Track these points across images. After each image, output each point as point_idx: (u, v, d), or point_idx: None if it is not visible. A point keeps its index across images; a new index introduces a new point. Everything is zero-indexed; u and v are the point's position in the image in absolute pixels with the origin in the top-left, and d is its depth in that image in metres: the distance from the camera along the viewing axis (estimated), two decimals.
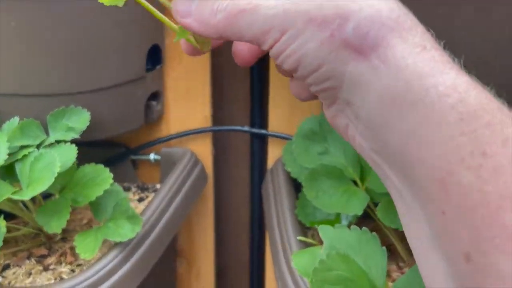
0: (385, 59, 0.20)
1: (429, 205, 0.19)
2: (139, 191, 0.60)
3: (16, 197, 0.38)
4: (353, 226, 0.42)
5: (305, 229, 0.50)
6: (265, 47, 0.22)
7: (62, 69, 0.46)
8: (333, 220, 0.49)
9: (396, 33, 0.20)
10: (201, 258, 0.68)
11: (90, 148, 0.51)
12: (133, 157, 0.61)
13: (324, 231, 0.41)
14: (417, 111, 0.19)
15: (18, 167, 0.43)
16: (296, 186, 0.54)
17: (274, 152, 0.61)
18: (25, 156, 0.43)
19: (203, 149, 0.62)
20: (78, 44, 0.45)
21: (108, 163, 0.60)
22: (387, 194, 0.42)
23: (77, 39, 0.45)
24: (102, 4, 0.45)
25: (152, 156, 0.61)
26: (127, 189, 0.61)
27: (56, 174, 0.39)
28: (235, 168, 0.66)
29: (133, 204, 0.58)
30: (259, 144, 0.61)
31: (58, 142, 0.45)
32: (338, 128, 0.24)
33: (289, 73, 0.25)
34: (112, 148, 0.60)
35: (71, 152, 0.43)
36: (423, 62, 0.19)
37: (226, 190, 0.67)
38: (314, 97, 0.26)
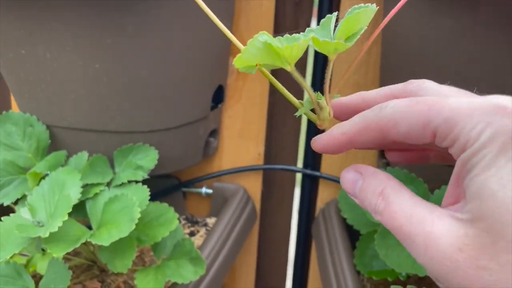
0: None
1: None
2: (189, 224, 0.60)
3: (95, 241, 0.38)
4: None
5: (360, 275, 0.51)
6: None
7: (139, 109, 0.46)
8: (390, 271, 0.50)
9: None
10: None
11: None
12: (184, 189, 0.61)
13: None
14: None
15: (88, 205, 0.43)
16: (349, 231, 0.54)
17: (323, 193, 0.61)
18: (96, 194, 0.43)
19: (254, 186, 0.62)
20: (156, 86, 0.45)
21: (161, 193, 0.60)
22: None
23: (155, 83, 0.45)
24: (179, 48, 0.46)
25: (203, 190, 0.61)
26: None
27: (136, 220, 0.39)
28: (280, 205, 0.66)
29: None
30: (310, 184, 0.61)
31: (129, 181, 0.45)
32: None
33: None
34: (164, 180, 0.60)
35: (143, 194, 0.43)
36: None
37: (270, 227, 0.67)
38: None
